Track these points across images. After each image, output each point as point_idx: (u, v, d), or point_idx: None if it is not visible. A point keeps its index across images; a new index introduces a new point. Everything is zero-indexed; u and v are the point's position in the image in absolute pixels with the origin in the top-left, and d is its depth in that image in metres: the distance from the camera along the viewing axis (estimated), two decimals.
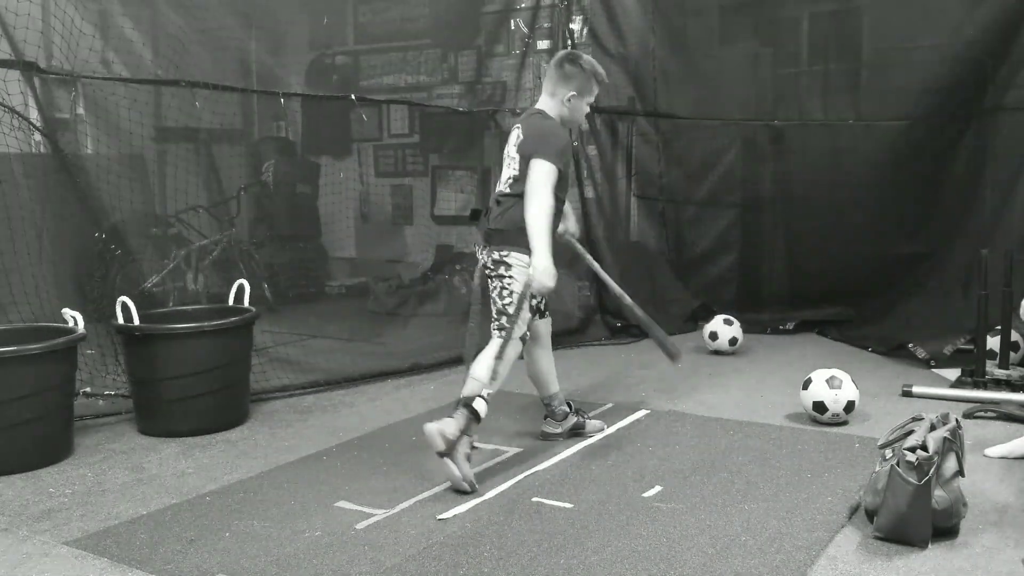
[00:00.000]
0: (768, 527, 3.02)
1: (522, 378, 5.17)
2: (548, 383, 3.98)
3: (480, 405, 3.46)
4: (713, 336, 5.67)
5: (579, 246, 4.13)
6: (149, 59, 5.12)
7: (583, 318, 6.40)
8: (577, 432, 4.05)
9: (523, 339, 3.67)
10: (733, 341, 5.66)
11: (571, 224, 4.03)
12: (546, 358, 3.96)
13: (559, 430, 4.02)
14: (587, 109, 3.77)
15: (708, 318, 5.85)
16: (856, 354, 5.63)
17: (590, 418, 4.15)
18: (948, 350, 5.25)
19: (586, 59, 3.73)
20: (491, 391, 3.51)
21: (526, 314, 3.62)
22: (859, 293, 6.20)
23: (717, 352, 5.67)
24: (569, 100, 3.67)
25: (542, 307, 3.84)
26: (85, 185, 4.65)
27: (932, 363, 5.25)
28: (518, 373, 5.29)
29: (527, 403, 4.65)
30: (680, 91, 6.48)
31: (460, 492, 3.36)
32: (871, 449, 3.56)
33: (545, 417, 4.06)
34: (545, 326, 3.93)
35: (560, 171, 3.53)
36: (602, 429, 4.11)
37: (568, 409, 4.03)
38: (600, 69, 3.74)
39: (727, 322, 5.69)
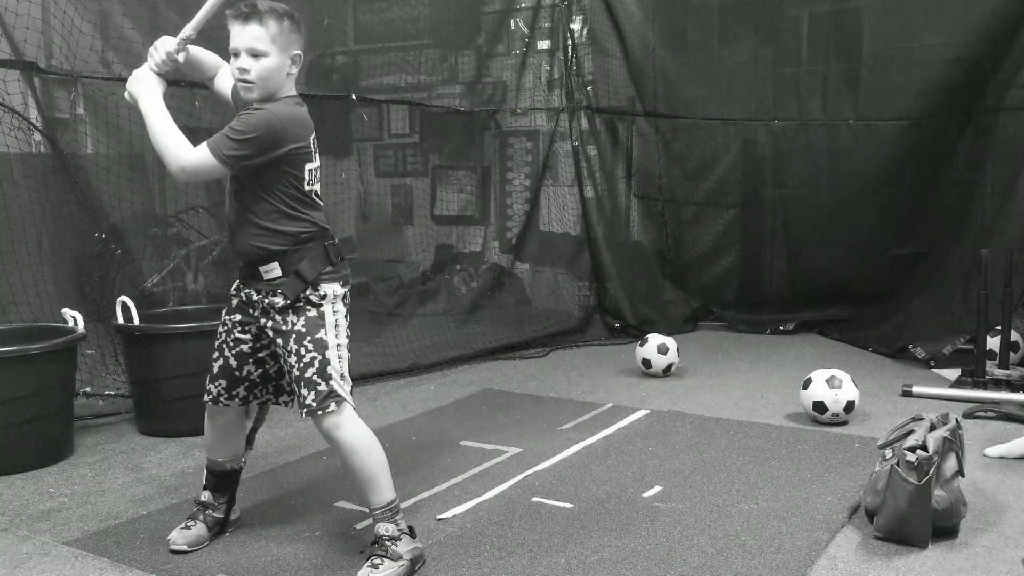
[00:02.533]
0: (768, 527, 3.02)
1: (521, 378, 5.19)
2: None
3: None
4: (646, 363, 5.13)
5: None
6: None
7: (582, 318, 6.41)
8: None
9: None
10: (667, 368, 5.14)
11: None
12: None
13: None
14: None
15: (707, 316, 5.64)
16: (856, 354, 5.63)
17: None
18: (948, 350, 5.25)
19: None
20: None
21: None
22: (859, 293, 6.21)
23: (650, 376, 5.17)
24: None
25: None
26: (85, 185, 4.65)
27: (932, 363, 5.25)
28: (519, 373, 5.31)
29: (527, 403, 4.65)
30: (680, 91, 6.49)
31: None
32: (871, 449, 3.57)
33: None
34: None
35: None
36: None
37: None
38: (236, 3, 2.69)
39: (661, 350, 5.10)
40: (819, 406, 4.16)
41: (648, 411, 4.45)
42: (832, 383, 4.16)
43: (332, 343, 2.75)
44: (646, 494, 3.33)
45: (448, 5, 6.95)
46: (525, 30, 6.71)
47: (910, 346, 5.41)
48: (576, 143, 6.51)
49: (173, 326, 4.18)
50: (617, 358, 5.70)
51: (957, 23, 5.51)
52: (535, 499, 3.30)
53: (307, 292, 2.74)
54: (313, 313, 2.74)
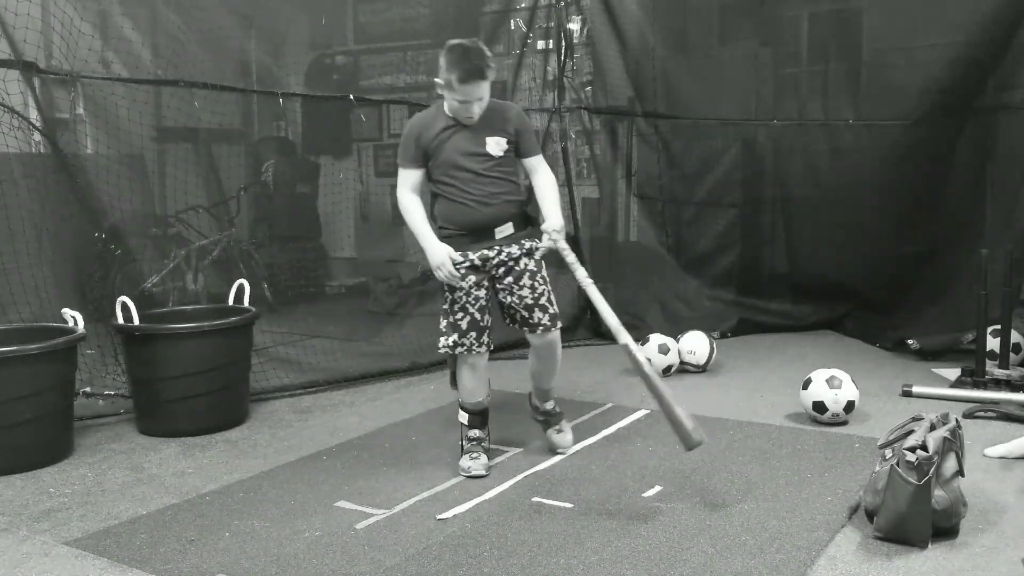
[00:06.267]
0: (768, 527, 3.02)
1: (521, 378, 5.18)
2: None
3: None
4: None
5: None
6: (148, 59, 5.12)
7: (575, 316, 6.41)
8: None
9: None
10: (668, 369, 5.14)
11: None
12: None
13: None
14: (462, 109, 3.38)
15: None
16: (856, 353, 5.64)
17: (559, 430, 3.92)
18: (944, 344, 5.30)
19: (456, 48, 3.33)
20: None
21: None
22: (859, 293, 6.21)
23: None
24: (440, 92, 3.41)
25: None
26: (85, 185, 4.65)
27: (927, 354, 5.30)
28: (519, 373, 5.31)
29: (527, 404, 4.64)
30: (680, 91, 6.48)
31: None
32: (871, 449, 3.56)
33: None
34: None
35: (405, 167, 3.53)
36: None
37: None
38: (464, 66, 3.27)
39: (662, 350, 5.14)
40: (819, 406, 4.16)
41: (648, 411, 4.45)
42: (832, 383, 4.16)
43: (549, 280, 3.62)
44: (646, 494, 3.33)
45: (447, 5, 6.94)
46: (524, 30, 6.71)
47: (909, 341, 5.44)
48: (564, 145, 6.50)
49: (173, 326, 4.18)
50: (617, 358, 5.68)
51: (957, 23, 5.49)
52: (535, 499, 3.30)
53: (530, 242, 3.56)
54: (538, 256, 3.58)
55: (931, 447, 2.87)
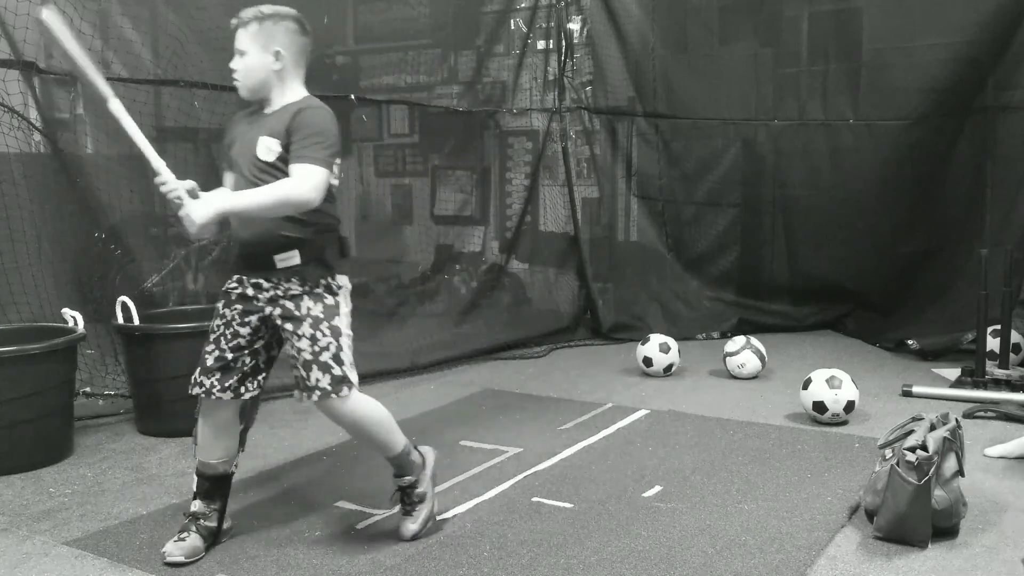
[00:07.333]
0: (768, 527, 3.02)
1: (521, 378, 5.19)
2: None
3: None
4: (647, 362, 5.18)
5: None
6: (148, 59, 5.11)
7: (575, 316, 6.41)
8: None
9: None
10: (669, 368, 5.17)
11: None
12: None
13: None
14: None
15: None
16: (856, 353, 5.64)
17: None
18: (944, 344, 5.30)
19: None
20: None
21: None
22: (859, 293, 6.22)
23: (650, 376, 5.19)
24: None
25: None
26: (85, 185, 4.65)
27: (927, 355, 5.30)
28: (519, 373, 5.31)
29: (527, 403, 4.65)
30: (680, 91, 6.49)
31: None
32: (871, 449, 3.57)
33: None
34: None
35: None
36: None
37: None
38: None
39: (663, 348, 5.17)
40: (819, 406, 4.16)
41: (648, 411, 4.45)
42: (832, 383, 4.16)
43: (345, 331, 2.83)
44: (646, 494, 3.33)
45: (448, 5, 6.95)
46: (524, 30, 6.71)
47: (909, 342, 5.44)
48: (564, 144, 6.51)
49: (173, 326, 4.18)
50: (617, 358, 5.70)
51: (957, 23, 5.50)
52: (535, 499, 3.30)
53: (327, 280, 2.82)
54: (331, 301, 2.82)
55: (931, 447, 2.87)
